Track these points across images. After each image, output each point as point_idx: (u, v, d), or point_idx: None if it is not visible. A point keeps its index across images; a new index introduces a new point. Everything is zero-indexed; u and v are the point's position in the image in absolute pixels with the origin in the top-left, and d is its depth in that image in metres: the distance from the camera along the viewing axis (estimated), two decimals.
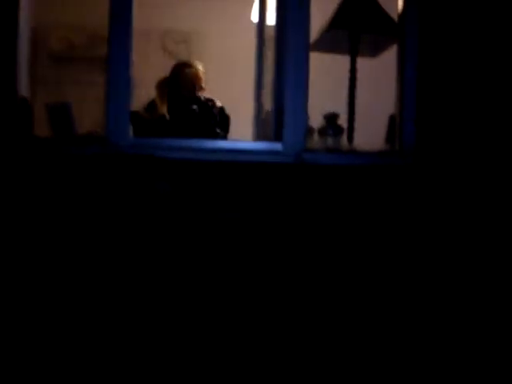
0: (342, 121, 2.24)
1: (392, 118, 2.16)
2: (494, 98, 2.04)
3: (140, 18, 2.54)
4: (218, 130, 2.87)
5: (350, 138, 2.29)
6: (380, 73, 2.45)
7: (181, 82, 2.90)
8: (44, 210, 1.90)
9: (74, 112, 2.23)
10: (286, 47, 2.02)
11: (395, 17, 2.19)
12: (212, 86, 3.23)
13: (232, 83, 3.84)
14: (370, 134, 2.20)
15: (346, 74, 2.37)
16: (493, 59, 2.04)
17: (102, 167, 1.92)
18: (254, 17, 3.80)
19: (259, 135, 2.60)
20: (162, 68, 3.19)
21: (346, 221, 1.95)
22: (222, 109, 2.88)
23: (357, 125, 2.31)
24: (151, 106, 2.89)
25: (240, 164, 1.94)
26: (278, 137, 2.07)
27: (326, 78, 2.32)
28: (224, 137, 2.90)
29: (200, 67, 3.00)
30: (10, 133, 1.92)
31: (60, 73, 4.57)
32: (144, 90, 3.38)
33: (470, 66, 2.02)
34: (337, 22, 2.20)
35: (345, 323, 1.95)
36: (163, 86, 2.97)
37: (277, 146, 1.97)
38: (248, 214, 1.94)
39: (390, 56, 2.35)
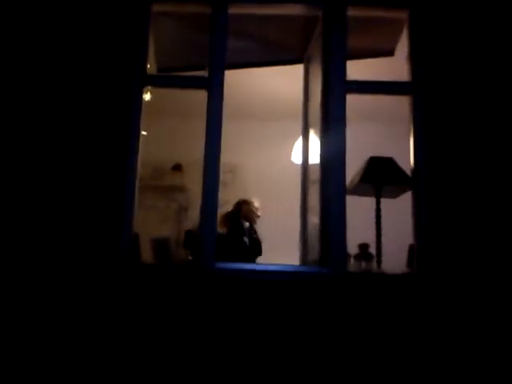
0: (372, 249, 2.88)
1: (411, 247, 2.69)
2: (493, 227, 2.52)
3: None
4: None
5: (379, 263, 2.92)
6: (400, 210, 3.11)
7: (241, 215, 3.74)
8: (149, 316, 2.47)
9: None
10: (329, 191, 2.66)
11: (408, 171, 2.78)
12: None
13: (273, 209, 4.51)
14: (394, 260, 2.82)
15: (373, 213, 3.06)
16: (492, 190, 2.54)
17: (196, 284, 2.51)
18: (294, 157, 4.61)
19: (304, 257, 3.24)
20: None
21: (377, 324, 2.49)
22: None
23: (383, 252, 2.94)
24: None
25: (298, 282, 2.54)
26: (323, 259, 2.70)
27: (357, 215, 2.96)
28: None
29: (256, 203, 3.84)
30: (128, 260, 2.55)
31: None
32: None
33: (472, 205, 2.55)
34: (365, 178, 2.93)
35: None
36: (225, 218, 3.79)
37: (324, 269, 2.59)
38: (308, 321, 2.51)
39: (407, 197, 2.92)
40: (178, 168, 5.58)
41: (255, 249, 3.96)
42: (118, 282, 2.51)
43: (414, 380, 2.43)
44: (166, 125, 5.13)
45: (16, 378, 2.41)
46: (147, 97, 3.13)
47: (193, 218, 5.12)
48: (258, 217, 4.05)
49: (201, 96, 2.80)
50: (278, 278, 2.55)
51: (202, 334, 2.46)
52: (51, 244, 2.54)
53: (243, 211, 3.99)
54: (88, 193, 2.60)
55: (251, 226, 3.95)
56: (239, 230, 3.87)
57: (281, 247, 3.79)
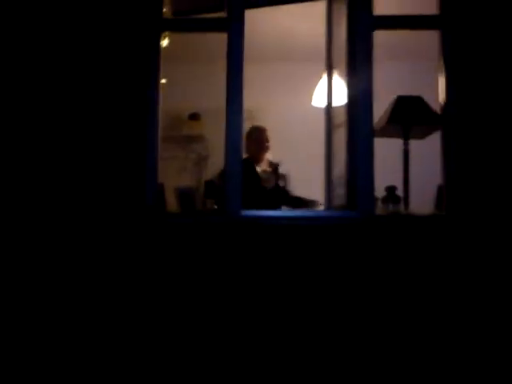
0: (399, 192, 2.83)
1: (440, 188, 2.64)
2: None
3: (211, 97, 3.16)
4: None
5: (406, 205, 2.87)
6: (428, 151, 3.04)
7: (253, 142, 3.65)
8: (176, 266, 2.49)
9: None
10: (356, 132, 2.59)
11: (437, 110, 2.70)
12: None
13: (294, 156, 4.45)
14: (421, 202, 2.77)
15: (401, 154, 2.99)
16: None
17: (223, 233, 2.50)
18: (314, 100, 4.50)
19: (330, 200, 3.21)
20: None
21: (405, 264, 2.49)
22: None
23: (411, 194, 2.89)
24: (223, 175, 3.62)
25: (326, 226, 2.52)
26: (350, 204, 2.68)
27: (384, 158, 2.89)
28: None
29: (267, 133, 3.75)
30: (153, 210, 2.55)
31: None
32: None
33: (498, 147, 2.49)
34: (392, 118, 2.83)
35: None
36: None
37: (352, 213, 2.56)
38: (334, 262, 2.52)
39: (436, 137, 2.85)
40: (195, 117, 5.49)
41: (278, 196, 3.81)
42: (145, 231, 2.52)
43: (442, 317, 2.44)
44: (180, 72, 5.02)
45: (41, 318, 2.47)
46: (165, 43, 3.03)
47: (212, 167, 5.11)
48: (268, 145, 3.91)
49: (217, 40, 2.70)
50: (306, 223, 2.53)
51: (228, 281, 2.48)
52: (79, 197, 2.54)
53: (253, 139, 3.87)
54: (111, 145, 2.57)
55: (275, 171, 3.79)
56: (254, 176, 3.75)
57: (303, 195, 3.78)
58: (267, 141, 3.84)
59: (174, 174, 4.97)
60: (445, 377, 2.41)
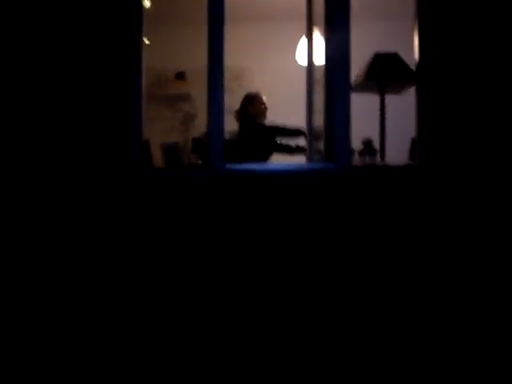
0: (376, 145, 2.98)
1: (413, 140, 2.78)
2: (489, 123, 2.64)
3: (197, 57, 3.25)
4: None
5: (382, 157, 3.02)
6: (404, 105, 3.18)
7: (251, 110, 3.84)
8: (161, 222, 2.62)
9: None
10: (333, 89, 2.72)
11: (413, 66, 2.81)
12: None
13: (280, 113, 4.57)
14: (397, 154, 2.92)
15: (377, 108, 3.13)
16: (486, 98, 2.64)
17: (208, 186, 2.64)
18: (298, 57, 4.59)
19: (311, 156, 3.36)
20: None
21: (380, 214, 2.66)
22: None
23: (387, 147, 3.04)
24: None
25: (305, 178, 2.67)
26: (328, 156, 2.83)
27: (361, 112, 3.03)
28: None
29: (264, 99, 3.94)
30: (139, 166, 2.68)
31: None
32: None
33: (468, 101, 2.64)
34: (370, 75, 2.96)
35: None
36: (238, 116, 3.90)
37: (330, 165, 2.72)
38: (314, 212, 2.68)
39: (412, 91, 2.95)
40: (181, 76, 5.55)
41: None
42: (131, 186, 2.65)
43: (417, 269, 2.61)
44: (166, 32, 5.05)
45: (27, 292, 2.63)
46: (147, 4, 3.09)
47: (199, 126, 5.20)
48: (266, 109, 4.13)
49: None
50: (286, 175, 2.67)
51: (213, 233, 2.63)
52: (67, 156, 2.65)
53: (252, 105, 4.06)
54: (97, 104, 2.66)
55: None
56: (252, 129, 3.95)
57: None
58: (265, 106, 4.09)
59: (162, 134, 5.07)
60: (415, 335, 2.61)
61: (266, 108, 4.08)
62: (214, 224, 2.64)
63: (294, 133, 3.90)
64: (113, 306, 2.61)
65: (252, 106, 4.02)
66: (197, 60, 3.60)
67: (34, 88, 2.68)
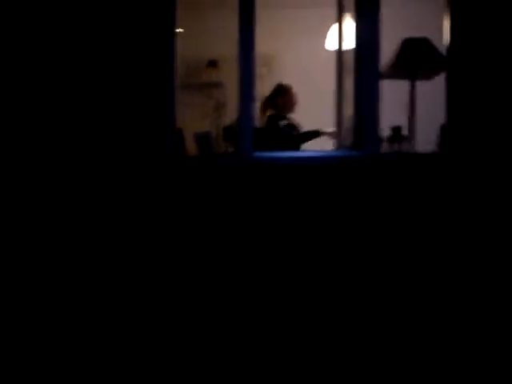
0: (404, 131, 2.97)
1: (443, 127, 2.78)
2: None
3: (229, 45, 3.28)
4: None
5: (411, 144, 3.00)
6: (434, 92, 3.16)
7: (280, 102, 3.85)
8: (193, 207, 2.71)
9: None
10: (363, 76, 2.72)
11: (443, 51, 2.79)
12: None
13: (310, 100, 4.58)
14: (426, 140, 2.91)
15: (407, 94, 3.11)
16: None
17: (236, 173, 2.71)
18: (328, 44, 4.58)
19: (340, 144, 3.37)
20: None
21: (410, 197, 2.68)
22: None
23: (417, 134, 3.03)
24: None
25: (334, 165, 2.70)
26: (357, 144, 2.84)
27: (390, 99, 3.02)
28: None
29: (294, 92, 3.93)
30: (173, 154, 2.75)
31: None
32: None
33: (498, 89, 2.61)
34: (399, 62, 2.94)
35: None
36: (265, 103, 3.92)
37: (358, 152, 2.74)
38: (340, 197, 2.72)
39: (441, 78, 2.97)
40: (213, 64, 5.61)
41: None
42: (167, 174, 2.73)
43: (441, 248, 2.63)
44: (198, 20, 5.10)
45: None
46: None
47: (231, 113, 5.26)
48: (295, 104, 4.12)
49: None
50: (314, 162, 2.70)
51: (242, 219, 2.69)
52: (104, 145, 2.75)
53: (281, 97, 4.06)
54: (132, 93, 2.74)
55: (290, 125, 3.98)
56: (276, 130, 3.94)
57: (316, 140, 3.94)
58: (295, 100, 4.06)
59: (195, 121, 5.14)
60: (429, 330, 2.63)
61: (295, 102, 4.05)
62: (240, 210, 2.70)
63: (313, 135, 3.86)
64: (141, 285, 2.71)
65: (281, 97, 4.02)
66: (228, 48, 3.64)
67: (79, 78, 2.76)
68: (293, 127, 3.95)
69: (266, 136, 3.80)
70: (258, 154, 2.74)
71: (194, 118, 5.29)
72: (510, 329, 2.53)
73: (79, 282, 2.71)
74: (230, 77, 5.07)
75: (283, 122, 3.93)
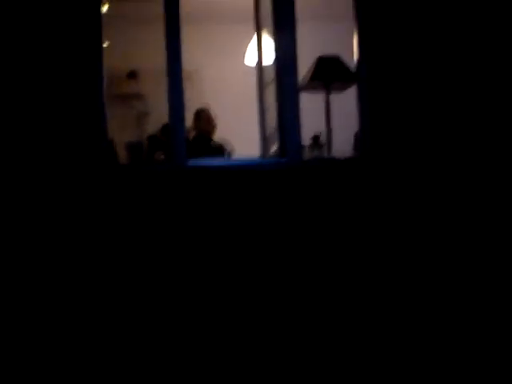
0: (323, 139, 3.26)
1: (356, 134, 3.08)
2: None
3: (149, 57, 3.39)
4: None
5: (329, 150, 3.32)
6: (348, 102, 3.44)
7: (200, 125, 4.06)
8: (128, 212, 2.79)
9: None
10: (283, 89, 2.97)
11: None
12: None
13: (232, 112, 4.76)
14: (343, 147, 3.22)
15: (323, 105, 3.42)
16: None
17: (170, 180, 2.85)
18: (247, 59, 4.80)
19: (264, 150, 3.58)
20: None
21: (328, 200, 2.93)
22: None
23: (334, 141, 3.34)
24: (165, 130, 3.66)
25: (260, 172, 2.91)
26: (282, 153, 3.05)
27: (310, 110, 3.29)
28: None
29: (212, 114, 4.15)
30: (107, 163, 2.84)
31: None
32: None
33: (404, 99, 2.91)
34: (315, 76, 3.25)
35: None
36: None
37: (283, 160, 2.96)
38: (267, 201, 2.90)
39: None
40: (133, 75, 5.64)
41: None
42: (100, 182, 2.80)
43: (361, 250, 2.88)
44: (119, 35, 5.12)
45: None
46: (104, 9, 3.22)
47: (153, 123, 5.31)
48: (214, 126, 4.34)
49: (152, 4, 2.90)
50: (242, 169, 2.90)
51: (175, 224, 2.82)
52: (42, 158, 2.78)
53: (199, 121, 4.27)
54: (65, 104, 2.80)
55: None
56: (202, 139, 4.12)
57: (241, 149, 4.11)
58: (214, 123, 4.27)
59: (117, 131, 5.15)
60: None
61: (213, 125, 4.28)
62: (177, 214, 2.82)
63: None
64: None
65: (199, 122, 4.25)
66: (148, 60, 3.73)
67: (14, 91, 2.77)
68: (216, 149, 4.17)
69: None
70: (190, 161, 2.90)
71: (116, 129, 5.29)
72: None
73: None
74: (150, 88, 5.15)
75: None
